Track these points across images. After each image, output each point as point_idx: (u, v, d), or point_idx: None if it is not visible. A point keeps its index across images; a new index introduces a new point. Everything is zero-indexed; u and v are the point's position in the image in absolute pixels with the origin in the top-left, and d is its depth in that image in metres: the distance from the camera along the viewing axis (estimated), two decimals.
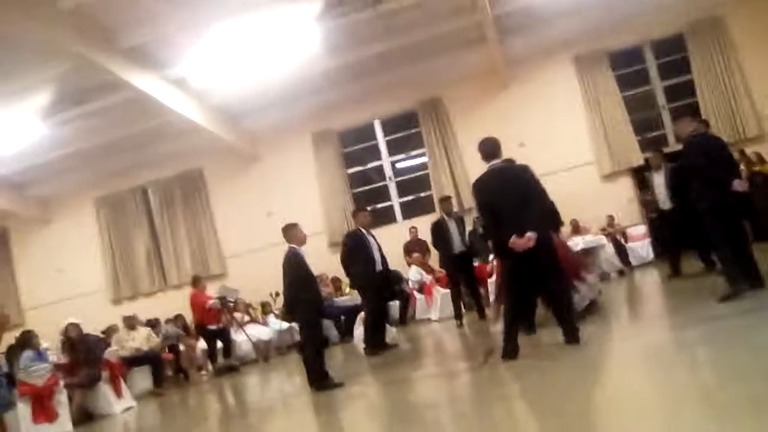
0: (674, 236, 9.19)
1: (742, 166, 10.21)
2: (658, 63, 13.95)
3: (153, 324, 12.04)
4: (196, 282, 11.51)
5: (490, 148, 5.99)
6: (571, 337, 5.68)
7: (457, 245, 9.79)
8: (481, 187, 5.95)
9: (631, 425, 3.45)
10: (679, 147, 7.76)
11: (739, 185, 6.30)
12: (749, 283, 6.14)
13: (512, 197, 5.70)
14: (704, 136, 6.80)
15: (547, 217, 6.35)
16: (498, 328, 6.79)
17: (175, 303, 13.32)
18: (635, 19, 13.08)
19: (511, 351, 5.69)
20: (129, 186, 15.77)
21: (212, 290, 11.70)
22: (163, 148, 14.63)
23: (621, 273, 11.82)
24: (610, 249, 11.99)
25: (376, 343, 8.65)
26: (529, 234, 5.54)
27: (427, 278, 12.18)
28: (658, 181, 9.22)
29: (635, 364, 4.96)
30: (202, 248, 15.26)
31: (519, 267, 5.74)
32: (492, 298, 11.02)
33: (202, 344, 11.61)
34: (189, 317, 12.11)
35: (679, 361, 4.70)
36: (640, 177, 12.75)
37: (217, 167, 15.30)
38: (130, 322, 10.94)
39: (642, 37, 13.74)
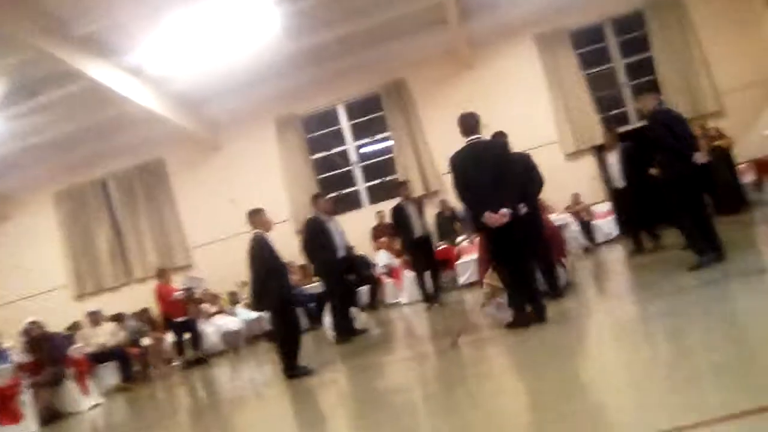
0: (631, 214, 9.35)
1: (702, 141, 10.39)
2: (618, 41, 14.05)
3: (118, 319, 11.84)
4: (161, 274, 11.33)
5: (469, 123, 5.99)
6: (539, 314, 5.75)
7: (417, 229, 9.80)
8: (458, 161, 5.92)
9: (599, 400, 3.47)
10: (638, 125, 7.93)
11: (700, 158, 6.44)
12: (711, 253, 6.25)
13: (489, 173, 5.72)
14: (667, 110, 6.93)
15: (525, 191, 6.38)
16: (488, 305, 6.84)
17: (140, 296, 13.10)
18: None
19: (522, 321, 5.72)
20: (88, 179, 15.37)
21: (178, 282, 11.52)
22: (122, 138, 14.30)
23: (587, 250, 11.96)
24: (575, 227, 12.13)
25: (345, 329, 8.60)
26: (503, 210, 5.58)
27: (396, 262, 12.16)
28: (612, 160, 9.35)
29: (603, 339, 5.02)
30: (166, 240, 15.00)
31: (497, 242, 5.80)
32: (464, 278, 11.14)
33: (170, 337, 11.45)
34: (155, 310, 11.92)
35: (646, 335, 4.77)
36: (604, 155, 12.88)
37: (178, 156, 15.01)
38: (95, 318, 10.74)
39: (602, 15, 13.80)
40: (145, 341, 11.42)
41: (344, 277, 8.92)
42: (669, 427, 2.70)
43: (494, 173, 5.71)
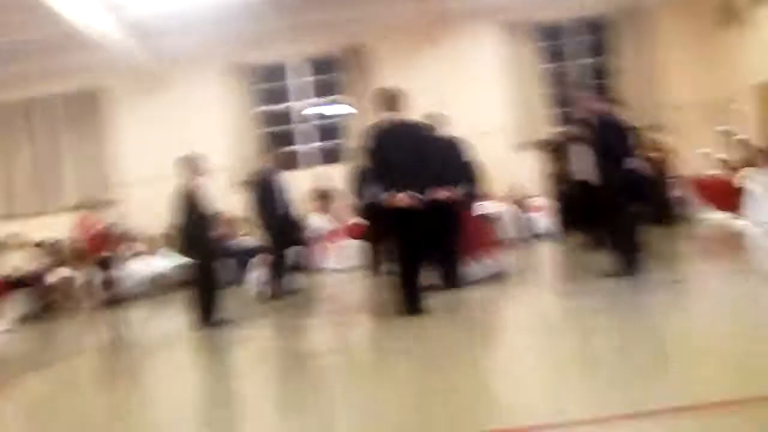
0: (583, 208, 9.47)
1: (642, 151, 10.63)
2: (579, 41, 14.21)
3: (39, 246, 11.37)
4: (83, 206, 10.88)
5: (389, 98, 5.74)
6: (450, 282, 5.71)
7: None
8: (375, 135, 5.68)
9: (512, 387, 3.52)
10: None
11: (633, 163, 6.47)
12: (637, 263, 6.39)
13: (406, 154, 5.52)
14: (605, 115, 6.86)
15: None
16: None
17: (58, 228, 12.55)
18: None
19: (414, 305, 5.67)
20: (15, 98, 14.47)
21: (101, 217, 11.09)
22: (58, 60, 13.46)
23: (523, 241, 12.15)
24: (513, 217, 12.30)
25: (277, 287, 8.49)
26: (407, 193, 5.42)
27: (329, 226, 12.07)
28: (576, 153, 9.39)
29: (526, 329, 5.09)
30: (93, 173, 14.34)
31: (405, 224, 5.61)
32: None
33: (86, 273, 11.03)
34: (72, 243, 11.46)
35: (565, 328, 4.87)
36: (550, 150, 13.06)
37: (121, 87, 14.31)
38: (15, 241, 10.23)
39: (569, 13, 13.89)
40: (61, 273, 11.00)
41: (284, 234, 8.78)
42: (569, 419, 2.74)
43: (413, 154, 5.53)
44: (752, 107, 12.11)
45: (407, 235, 5.68)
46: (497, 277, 7.49)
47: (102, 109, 14.45)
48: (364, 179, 9.47)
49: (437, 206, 5.90)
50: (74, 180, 14.30)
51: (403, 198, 5.45)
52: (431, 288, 6.36)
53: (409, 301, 5.67)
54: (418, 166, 5.53)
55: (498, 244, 8.12)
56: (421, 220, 5.62)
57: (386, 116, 5.71)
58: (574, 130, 9.73)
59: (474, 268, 7.09)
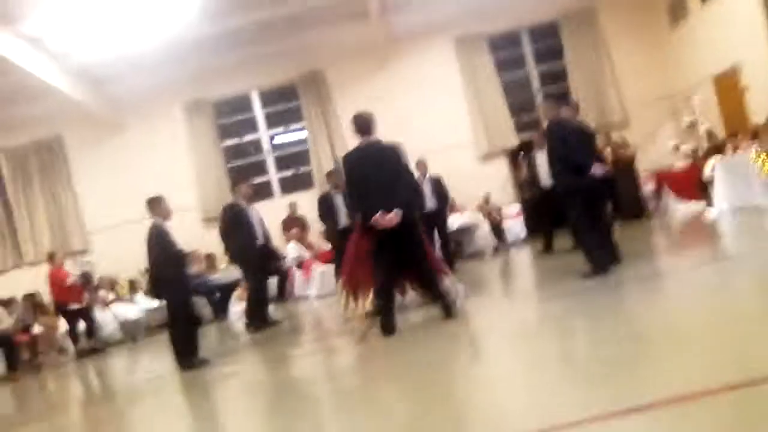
0: (550, 214, 9.54)
1: (607, 150, 10.79)
2: (533, 48, 14.43)
3: (6, 304, 11.08)
4: (52, 258, 10.68)
5: (363, 123, 5.94)
6: (447, 312, 5.79)
7: (343, 219, 9.66)
8: (351, 160, 5.90)
9: (497, 393, 3.51)
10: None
11: (598, 169, 6.47)
12: (609, 263, 6.43)
13: (381, 174, 5.69)
14: (563, 121, 6.87)
15: (413, 197, 6.38)
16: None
17: (31, 281, 12.31)
18: (514, 4, 13.43)
19: (389, 326, 5.68)
20: None
21: (70, 266, 10.91)
22: (16, 111, 13.31)
23: (496, 250, 12.19)
24: (485, 227, 12.36)
25: (259, 319, 8.38)
26: (395, 211, 5.56)
27: (306, 254, 12.00)
28: (541, 159, 9.48)
29: (505, 336, 5.09)
30: (61, 222, 14.10)
31: (384, 245, 5.75)
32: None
33: (63, 325, 10.81)
34: (46, 296, 11.23)
35: (545, 332, 4.89)
36: (515, 158, 13.22)
37: (78, 135, 14.10)
38: None
39: (520, 22, 14.11)
40: (36, 329, 10.75)
41: (263, 265, 8.70)
42: (557, 422, 2.73)
43: (387, 175, 5.69)
44: (712, 98, 12.37)
45: (384, 255, 5.77)
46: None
47: (67, 157, 14.26)
48: (331, 205, 9.53)
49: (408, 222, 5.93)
50: (46, 229, 14.05)
51: (392, 218, 5.53)
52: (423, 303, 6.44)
53: (386, 320, 5.70)
54: (393, 187, 5.65)
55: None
56: (398, 240, 5.72)
57: (362, 140, 5.88)
58: (536, 137, 9.85)
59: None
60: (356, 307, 6.46)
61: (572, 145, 6.49)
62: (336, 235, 9.82)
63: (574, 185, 6.43)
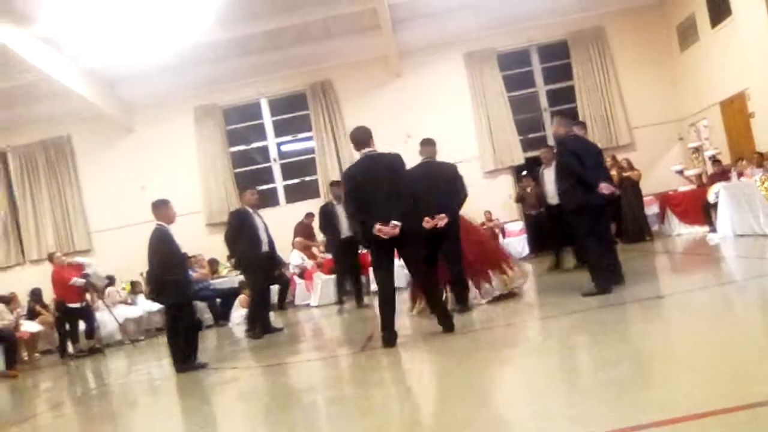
0: (559, 230, 9.53)
1: (613, 171, 10.81)
2: (542, 67, 14.50)
3: (8, 300, 11.09)
4: (53, 257, 10.72)
5: (361, 137, 6.00)
6: (447, 325, 5.80)
7: (345, 230, 9.69)
8: (352, 174, 5.96)
9: (500, 408, 3.51)
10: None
11: (605, 188, 6.48)
12: (613, 281, 6.45)
13: (382, 186, 5.73)
14: (577, 138, 6.97)
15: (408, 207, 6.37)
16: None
17: (33, 279, 12.34)
18: (525, 23, 13.54)
19: (390, 338, 5.69)
20: None
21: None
22: (28, 110, 13.45)
23: None
24: None
25: (260, 325, 8.39)
26: (394, 222, 5.58)
27: (309, 263, 12.02)
28: (549, 176, 9.48)
29: (505, 351, 5.09)
30: (66, 221, 14.19)
31: (384, 255, 5.79)
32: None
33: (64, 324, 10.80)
34: (48, 294, 11.25)
35: (548, 349, 4.88)
36: (520, 175, 13.25)
37: (87, 136, 14.25)
38: None
39: (530, 40, 14.21)
40: (35, 326, 10.76)
41: (266, 271, 8.72)
42: None
43: (388, 186, 5.73)
44: (718, 123, 12.41)
45: (387, 263, 5.82)
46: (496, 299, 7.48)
47: (75, 157, 14.37)
48: (333, 216, 9.58)
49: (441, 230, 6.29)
50: (51, 228, 14.13)
51: (394, 228, 5.57)
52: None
53: (388, 329, 5.72)
54: (395, 198, 5.69)
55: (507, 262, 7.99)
56: (407, 247, 5.80)
57: (364, 152, 5.94)
58: (545, 153, 9.86)
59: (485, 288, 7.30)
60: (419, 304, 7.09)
61: (584, 160, 6.54)
62: (337, 246, 9.88)
63: (583, 202, 6.46)
